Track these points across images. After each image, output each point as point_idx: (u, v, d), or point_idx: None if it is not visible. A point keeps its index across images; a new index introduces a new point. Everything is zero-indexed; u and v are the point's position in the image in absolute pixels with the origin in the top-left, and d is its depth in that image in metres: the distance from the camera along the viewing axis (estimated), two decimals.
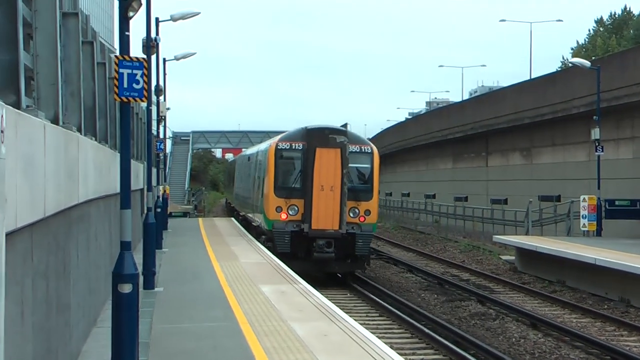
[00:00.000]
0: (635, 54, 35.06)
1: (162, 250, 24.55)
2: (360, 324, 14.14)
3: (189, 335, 12.36)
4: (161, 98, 32.07)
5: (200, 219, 47.30)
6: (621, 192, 33.48)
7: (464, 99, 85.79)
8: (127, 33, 9.65)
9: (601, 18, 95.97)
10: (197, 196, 79.37)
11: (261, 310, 14.44)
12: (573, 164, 39.89)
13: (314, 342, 11.73)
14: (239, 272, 19.89)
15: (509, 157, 48.55)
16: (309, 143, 25.61)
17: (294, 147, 26.16)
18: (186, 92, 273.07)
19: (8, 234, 5.72)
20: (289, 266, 21.33)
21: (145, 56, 19.47)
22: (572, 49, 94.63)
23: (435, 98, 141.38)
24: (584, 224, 31.87)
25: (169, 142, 71.07)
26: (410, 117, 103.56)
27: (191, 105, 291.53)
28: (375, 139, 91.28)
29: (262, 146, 32.68)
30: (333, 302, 16.03)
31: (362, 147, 26.47)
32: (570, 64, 45.25)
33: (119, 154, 12.54)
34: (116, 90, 9.46)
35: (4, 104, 5.43)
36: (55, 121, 9.16)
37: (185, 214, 55.64)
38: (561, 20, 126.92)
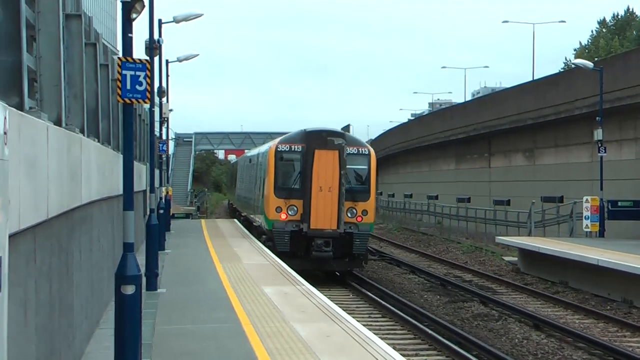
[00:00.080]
0: (638, 55, 35.06)
1: (164, 252, 24.55)
2: (363, 325, 14.14)
3: (192, 337, 12.37)
4: (164, 99, 32.05)
5: (202, 221, 47.30)
6: (624, 193, 33.47)
7: (467, 100, 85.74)
8: (130, 35, 9.66)
9: (604, 19, 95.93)
10: (199, 197, 79.46)
11: (264, 311, 14.45)
12: (576, 165, 39.87)
13: (316, 343, 11.73)
14: (241, 273, 19.90)
15: (512, 158, 48.53)
16: (308, 145, 26.27)
17: (293, 149, 26.80)
18: (189, 93, 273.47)
19: (11, 236, 5.72)
20: (288, 265, 21.77)
21: (148, 58, 19.49)
22: (574, 50, 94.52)
23: (438, 99, 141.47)
24: (586, 224, 31.86)
25: (171, 144, 71.12)
26: (412, 118, 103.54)
27: (194, 106, 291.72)
28: (377, 140, 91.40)
29: (263, 148, 33.28)
30: (335, 303, 16.03)
31: (360, 149, 27.10)
32: (573, 65, 45.25)
33: (121, 156, 12.55)
34: (119, 91, 9.47)
35: (7, 105, 5.44)
36: (58, 123, 9.17)
37: (187, 216, 55.64)
38: (564, 22, 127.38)
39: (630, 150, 35.13)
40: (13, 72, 7.29)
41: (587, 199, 31.81)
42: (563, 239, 31.50)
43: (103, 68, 14.38)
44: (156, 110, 27.47)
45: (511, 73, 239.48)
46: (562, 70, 78.81)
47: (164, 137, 36.14)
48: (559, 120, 40.34)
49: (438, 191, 58.07)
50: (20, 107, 7.15)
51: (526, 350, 17.18)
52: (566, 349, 17.27)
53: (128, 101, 9.53)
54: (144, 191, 27.89)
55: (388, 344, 12.59)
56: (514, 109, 45.65)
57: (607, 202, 31.80)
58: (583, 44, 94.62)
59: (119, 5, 9.53)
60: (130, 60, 9.52)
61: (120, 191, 11.45)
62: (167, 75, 36.06)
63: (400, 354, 11.41)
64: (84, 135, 11.25)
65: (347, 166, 26.26)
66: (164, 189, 31.79)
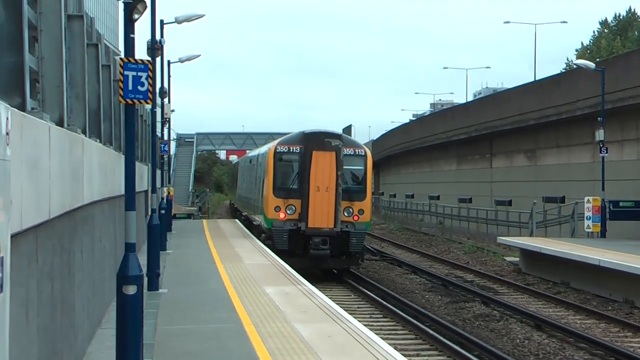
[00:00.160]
0: (639, 55, 35.03)
1: (166, 252, 24.58)
2: (364, 325, 14.15)
3: (194, 337, 12.39)
4: (165, 100, 32.08)
5: (204, 221, 47.31)
6: (625, 194, 33.46)
7: (468, 100, 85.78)
8: (132, 35, 9.68)
9: (606, 19, 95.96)
10: (201, 198, 79.47)
11: (265, 311, 14.46)
12: (577, 166, 39.86)
13: (318, 343, 11.74)
14: (243, 273, 19.91)
15: (513, 159, 48.52)
16: (306, 146, 27.15)
17: (292, 150, 27.69)
18: (190, 94, 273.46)
19: (13, 236, 5.74)
20: (286, 263, 22.29)
21: (149, 58, 19.52)
22: (576, 50, 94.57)
23: (440, 100, 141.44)
24: (588, 225, 31.85)
25: (173, 144, 71.12)
26: (414, 118, 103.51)
27: (195, 107, 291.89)
28: (379, 141, 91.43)
29: (263, 149, 34.10)
30: (337, 304, 16.04)
31: (356, 150, 28.00)
32: (574, 66, 45.27)
33: (123, 156, 12.57)
34: (121, 92, 9.49)
35: (9, 106, 5.45)
36: (60, 123, 9.19)
37: (189, 216, 55.67)
38: (565, 22, 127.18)
39: (632, 150, 35.12)
40: (15, 73, 7.30)
41: (588, 200, 31.80)
42: (564, 240, 31.50)
43: (105, 69, 14.40)
44: (158, 110, 27.55)
45: (513, 73, 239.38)
46: (563, 70, 78.82)
47: (165, 137, 36.13)
48: (560, 120, 40.33)
49: (440, 191, 58.06)
50: (22, 107, 7.17)
51: (527, 351, 17.18)
52: (568, 350, 17.28)
53: (130, 102, 9.55)
54: (146, 191, 27.92)
55: (389, 344, 12.59)
56: (516, 110, 45.63)
57: (608, 203, 31.79)
58: (585, 44, 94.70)
59: (121, 6, 9.55)
60: (132, 61, 9.53)
61: (122, 191, 11.48)
62: (169, 76, 36.05)
63: (402, 354, 11.42)
64: (85, 136, 11.26)
65: (344, 167, 27.07)
66: (165, 189, 31.83)
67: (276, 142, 29.15)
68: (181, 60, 37.12)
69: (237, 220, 44.72)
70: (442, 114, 70.82)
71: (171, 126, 41.68)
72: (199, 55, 37.59)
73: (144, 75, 9.48)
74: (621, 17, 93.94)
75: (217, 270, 20.53)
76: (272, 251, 25.48)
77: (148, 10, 19.26)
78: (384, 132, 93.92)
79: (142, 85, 9.49)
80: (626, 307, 22.10)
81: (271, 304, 15.31)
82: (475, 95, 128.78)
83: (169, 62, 36.47)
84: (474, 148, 54.61)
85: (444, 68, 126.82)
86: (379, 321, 20.21)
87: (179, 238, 31.02)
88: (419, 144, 66.50)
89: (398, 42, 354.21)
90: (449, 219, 51.88)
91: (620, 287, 22.98)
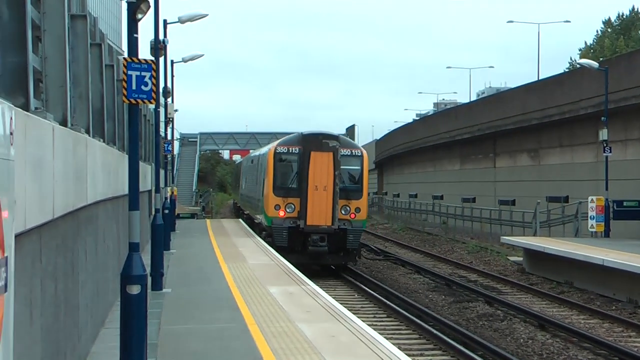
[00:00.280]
0: None
1: (170, 252, 24.60)
2: (368, 324, 14.14)
3: (197, 337, 12.38)
4: (169, 100, 32.10)
5: (208, 221, 47.35)
6: (629, 193, 33.41)
7: (472, 100, 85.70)
8: (135, 35, 9.68)
9: (609, 19, 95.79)
10: (204, 197, 79.42)
11: (269, 311, 14.46)
12: (581, 165, 39.82)
13: (322, 343, 11.73)
14: (246, 273, 19.91)
15: (517, 158, 48.48)
16: (305, 147, 28.22)
17: (291, 150, 28.77)
18: (194, 93, 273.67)
19: (17, 235, 5.74)
20: (286, 259, 23.10)
21: (153, 58, 19.51)
22: (580, 49, 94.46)
23: (443, 99, 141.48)
24: (591, 224, 31.81)
25: (176, 144, 71.13)
26: (417, 118, 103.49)
27: (199, 106, 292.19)
28: (382, 141, 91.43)
29: (264, 150, 35.28)
30: (340, 303, 16.03)
31: (353, 151, 29.13)
32: (578, 65, 45.20)
33: (127, 156, 12.57)
34: (125, 92, 9.49)
35: (13, 106, 5.45)
36: (63, 123, 9.19)
37: (193, 216, 55.66)
38: (569, 22, 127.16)
39: (636, 150, 35.07)
40: (19, 73, 7.31)
41: (592, 199, 31.76)
42: (568, 239, 31.47)
43: (108, 68, 14.41)
44: (161, 110, 27.55)
45: (516, 73, 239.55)
46: (567, 70, 78.73)
47: (169, 137, 36.16)
48: (564, 120, 40.29)
49: (443, 191, 58.04)
50: (26, 107, 7.17)
51: (531, 351, 17.16)
52: (571, 349, 17.25)
53: (134, 101, 9.55)
54: (149, 191, 27.95)
55: (393, 343, 12.58)
56: (519, 109, 45.59)
57: (612, 202, 31.76)
58: (588, 43, 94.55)
59: (124, 6, 9.54)
60: (136, 60, 9.53)
61: (126, 191, 11.48)
62: (172, 76, 36.04)
63: (406, 354, 11.42)
64: (89, 136, 11.26)
65: (341, 167, 28.08)
66: (169, 189, 31.84)
67: (276, 143, 30.23)
68: (184, 60, 37.13)
69: (240, 220, 44.80)
70: (446, 113, 70.78)
71: (175, 126, 41.71)
72: (202, 55, 37.61)
73: (148, 74, 9.48)
74: (624, 17, 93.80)
75: (220, 270, 20.53)
76: (272, 248, 26.33)
77: (151, 10, 19.26)
78: (388, 131, 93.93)
79: (146, 84, 9.49)
80: (630, 307, 22.07)
81: (275, 303, 15.30)
82: (478, 95, 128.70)
83: (172, 62, 36.46)
84: (478, 148, 54.57)
85: (447, 68, 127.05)
86: (382, 321, 20.20)
87: (182, 238, 31.04)
88: (423, 144, 66.47)
89: (401, 41, 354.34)
90: (453, 218, 51.86)
91: (624, 286, 22.95)
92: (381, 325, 19.15)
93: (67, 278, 9.25)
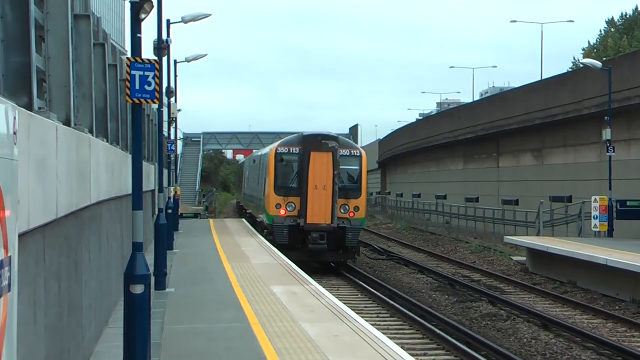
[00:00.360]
0: None
1: (173, 251, 24.59)
2: (371, 324, 14.13)
3: (201, 336, 12.39)
4: (172, 99, 32.11)
5: (211, 220, 47.35)
6: (632, 193, 33.38)
7: (475, 100, 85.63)
8: (138, 35, 9.68)
9: (612, 18, 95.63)
10: (207, 197, 79.46)
11: (272, 311, 14.46)
12: (584, 165, 39.79)
13: (325, 343, 11.74)
14: (250, 273, 19.92)
15: (520, 158, 48.46)
16: (305, 148, 28.99)
17: (291, 151, 29.53)
18: (197, 93, 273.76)
19: (20, 235, 5.74)
20: (286, 256, 23.60)
21: (156, 58, 19.51)
22: (583, 49, 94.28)
23: (446, 99, 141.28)
24: (595, 224, 31.79)
25: (179, 143, 71.14)
26: (420, 118, 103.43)
27: (202, 106, 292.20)
28: (385, 140, 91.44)
29: (265, 150, 36.05)
30: (344, 303, 16.04)
31: (352, 151, 29.91)
32: (581, 65, 45.18)
33: (130, 155, 12.58)
34: (128, 92, 9.49)
35: (16, 105, 5.46)
36: (67, 123, 9.19)
37: (196, 215, 55.65)
38: (572, 21, 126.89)
39: (639, 149, 35.04)
40: (22, 73, 7.31)
41: (595, 199, 31.74)
42: (571, 239, 31.45)
43: (111, 68, 14.42)
44: (164, 110, 27.54)
45: (519, 73, 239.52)
46: (570, 69, 78.64)
47: (172, 136, 36.17)
48: (567, 119, 40.27)
49: (446, 191, 58.02)
50: (29, 107, 7.17)
51: (534, 350, 17.16)
52: (575, 349, 17.24)
53: (137, 101, 9.55)
54: (153, 191, 27.95)
55: (396, 343, 12.58)
56: (522, 109, 45.56)
57: (615, 202, 31.73)
58: (591, 43, 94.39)
59: (128, 6, 9.55)
60: (139, 60, 9.54)
61: (129, 191, 11.50)
62: (175, 75, 36.05)
63: (409, 354, 11.41)
64: (92, 135, 11.27)
65: (340, 167, 28.84)
66: (172, 188, 31.89)
67: (277, 143, 30.99)
68: (188, 60, 37.15)
69: (243, 219, 44.84)
70: (449, 113, 70.77)
71: (178, 125, 41.67)
72: (205, 55, 37.61)
73: (151, 74, 9.48)
74: (628, 16, 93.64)
75: (224, 270, 20.54)
76: (273, 245, 26.91)
77: (154, 10, 19.26)
78: (391, 131, 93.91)
79: (149, 84, 9.49)
80: (633, 307, 22.05)
81: (278, 303, 15.31)
82: (481, 95, 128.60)
83: (175, 62, 36.50)
84: (481, 147, 54.56)
85: (451, 67, 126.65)
86: (385, 320, 20.20)
87: (185, 237, 31.06)
88: (426, 144, 66.46)
89: (404, 41, 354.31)
90: (456, 218, 51.83)
91: (627, 286, 22.93)
92: (384, 325, 19.16)
93: (70, 278, 9.25)
